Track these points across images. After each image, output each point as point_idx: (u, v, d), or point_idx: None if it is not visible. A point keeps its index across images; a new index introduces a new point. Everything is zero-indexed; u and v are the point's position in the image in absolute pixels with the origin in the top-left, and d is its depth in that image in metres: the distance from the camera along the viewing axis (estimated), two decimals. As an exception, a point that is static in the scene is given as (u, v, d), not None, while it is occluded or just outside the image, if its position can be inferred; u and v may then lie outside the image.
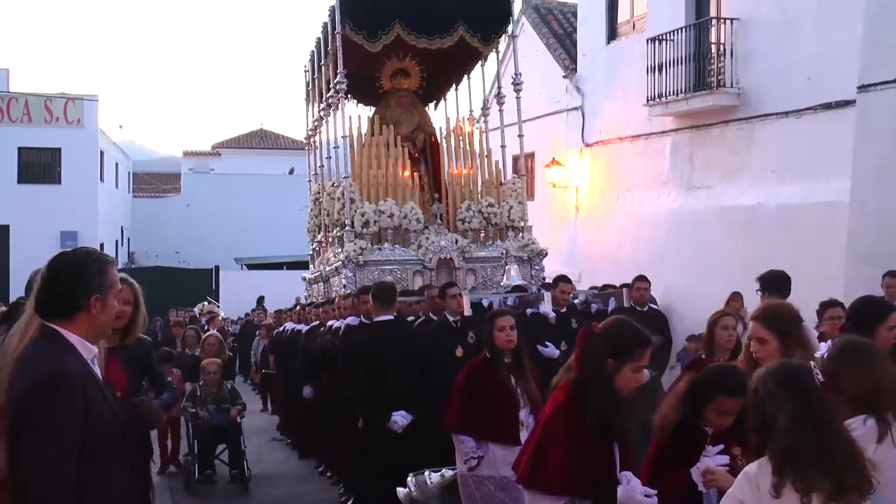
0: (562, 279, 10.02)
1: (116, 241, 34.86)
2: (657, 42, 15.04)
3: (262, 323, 19.50)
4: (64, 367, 2.94)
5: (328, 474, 10.43)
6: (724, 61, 14.13)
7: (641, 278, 10.80)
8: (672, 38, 14.82)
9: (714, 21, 14.38)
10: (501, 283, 11.03)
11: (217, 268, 31.39)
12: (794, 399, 3.05)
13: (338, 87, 11.83)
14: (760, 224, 13.32)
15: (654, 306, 11.32)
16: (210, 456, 9.97)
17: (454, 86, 14.04)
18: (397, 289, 8.28)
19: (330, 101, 12.83)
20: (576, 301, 10.45)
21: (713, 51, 14.36)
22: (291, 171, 41.59)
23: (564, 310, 9.70)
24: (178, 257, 35.57)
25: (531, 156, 17.48)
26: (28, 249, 24.40)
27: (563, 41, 19.05)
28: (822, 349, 3.59)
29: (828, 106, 12.45)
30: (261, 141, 44.20)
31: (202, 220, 36.56)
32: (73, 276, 3.08)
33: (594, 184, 17.70)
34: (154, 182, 43.80)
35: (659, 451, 3.94)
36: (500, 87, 13.07)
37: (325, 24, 12.60)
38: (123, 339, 4.61)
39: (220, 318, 21.67)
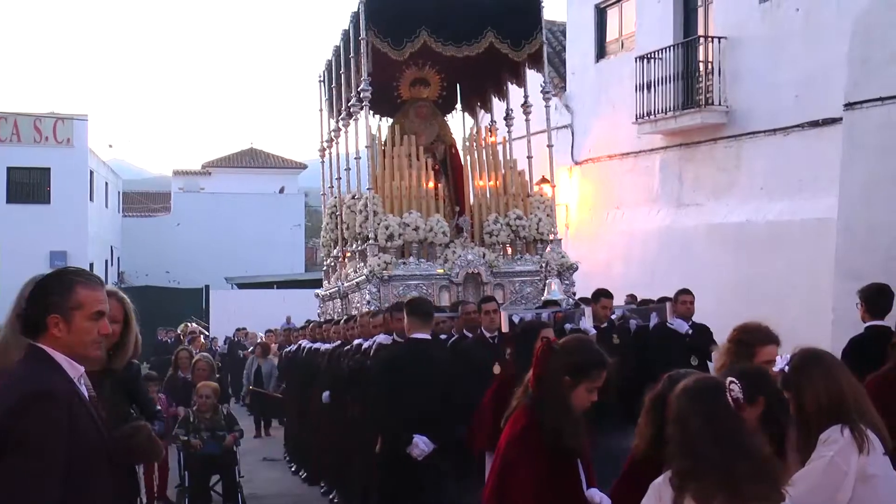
0: (603, 293, 9.33)
1: (106, 261, 34.74)
2: (646, 60, 15.14)
3: (255, 343, 19.35)
4: (49, 385, 2.92)
5: (333, 498, 10.01)
6: (712, 79, 14.24)
7: (685, 291, 9.41)
8: (660, 56, 14.93)
9: (702, 39, 14.50)
10: (542, 298, 10.39)
11: (207, 287, 31.26)
12: (700, 414, 3.07)
13: (362, 94, 11.35)
14: (750, 241, 13.37)
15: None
16: (203, 488, 9.34)
17: (494, 95, 13.50)
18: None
19: (351, 109, 12.26)
20: (613, 317, 9.66)
21: (701, 69, 14.47)
22: (282, 190, 41.62)
23: (605, 325, 9.01)
24: (169, 276, 35.49)
25: (521, 174, 17.45)
26: (17, 269, 24.04)
27: (551, 59, 19.09)
28: (780, 363, 3.63)
29: (815, 123, 12.55)
30: (251, 160, 44.17)
31: (192, 239, 36.45)
32: (35, 296, 3.09)
33: (584, 202, 17.75)
34: (144, 201, 43.77)
35: (628, 467, 3.88)
36: (526, 96, 12.52)
37: (346, 31, 12.15)
38: (109, 362, 4.07)
39: (202, 338, 21.51)
